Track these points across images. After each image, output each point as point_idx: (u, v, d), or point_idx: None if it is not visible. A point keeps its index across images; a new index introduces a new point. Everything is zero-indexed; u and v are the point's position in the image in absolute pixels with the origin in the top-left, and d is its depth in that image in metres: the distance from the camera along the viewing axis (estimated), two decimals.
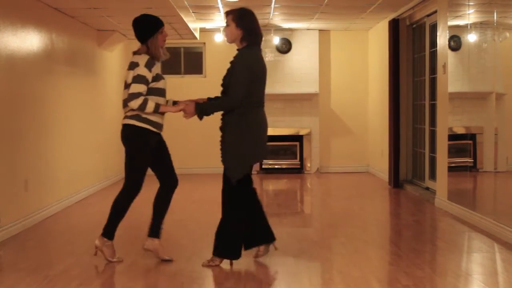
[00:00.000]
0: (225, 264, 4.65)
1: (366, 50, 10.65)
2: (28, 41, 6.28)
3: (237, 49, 4.47)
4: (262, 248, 4.65)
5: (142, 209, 7.21)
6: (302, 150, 10.48)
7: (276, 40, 10.17)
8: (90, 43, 8.56)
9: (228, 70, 4.43)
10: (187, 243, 5.29)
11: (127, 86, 4.51)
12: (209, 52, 10.53)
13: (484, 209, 5.84)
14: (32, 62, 6.40)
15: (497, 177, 5.96)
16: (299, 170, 10.39)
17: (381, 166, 9.56)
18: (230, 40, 4.49)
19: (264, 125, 4.51)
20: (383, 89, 9.33)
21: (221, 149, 4.53)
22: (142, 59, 4.51)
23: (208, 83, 10.06)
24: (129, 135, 4.57)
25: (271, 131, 10.26)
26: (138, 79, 4.44)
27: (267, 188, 9.15)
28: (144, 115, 4.48)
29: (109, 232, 4.68)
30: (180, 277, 4.32)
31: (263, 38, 4.57)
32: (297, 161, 10.42)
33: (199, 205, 7.29)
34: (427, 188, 7.87)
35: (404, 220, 6.62)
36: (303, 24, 9.78)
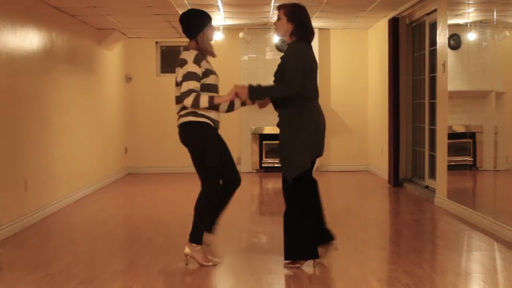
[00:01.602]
0: (226, 263, 4.66)
1: (366, 49, 10.64)
2: (28, 39, 6.27)
3: (287, 43, 4.48)
4: (321, 249, 4.53)
5: (142, 209, 7.23)
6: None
7: (276, 39, 10.17)
8: (90, 41, 8.56)
9: (279, 65, 4.43)
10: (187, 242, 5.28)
11: (177, 84, 4.45)
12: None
13: (484, 208, 5.84)
14: (32, 61, 6.40)
15: (497, 176, 5.97)
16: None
17: (381, 165, 9.56)
18: (281, 34, 4.50)
19: (319, 119, 4.46)
20: (382, 88, 9.33)
21: (278, 146, 4.45)
22: (190, 55, 4.39)
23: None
24: (188, 132, 4.44)
25: (270, 130, 10.24)
26: (188, 76, 4.34)
27: (267, 187, 9.15)
28: (200, 111, 4.38)
29: (196, 237, 4.49)
30: (180, 276, 4.32)
31: (313, 36, 4.49)
32: None
33: None
34: (427, 187, 7.87)
35: (404, 219, 6.63)
36: None
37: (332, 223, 6.25)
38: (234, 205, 7.43)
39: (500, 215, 5.43)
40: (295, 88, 4.26)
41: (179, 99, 4.42)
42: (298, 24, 4.40)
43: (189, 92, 4.33)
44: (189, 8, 4.68)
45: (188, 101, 4.32)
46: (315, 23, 9.75)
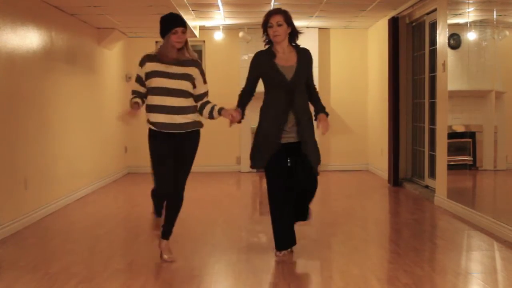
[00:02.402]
0: (226, 262, 4.66)
1: (366, 49, 10.64)
2: (28, 39, 6.27)
3: (293, 45, 4.72)
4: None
5: (142, 208, 7.23)
6: None
7: None
8: (89, 41, 8.56)
9: (306, 67, 4.69)
10: (186, 241, 5.29)
11: None
12: (208, 50, 10.53)
13: (484, 208, 5.84)
14: (32, 60, 6.40)
15: (497, 175, 5.97)
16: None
17: (381, 164, 9.56)
18: (281, 40, 4.60)
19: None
20: (382, 87, 9.32)
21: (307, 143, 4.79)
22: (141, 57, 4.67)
23: (208, 81, 10.03)
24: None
25: None
26: (135, 78, 4.69)
27: (266, 186, 9.13)
28: (147, 115, 4.59)
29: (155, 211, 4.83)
30: (179, 275, 4.32)
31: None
32: None
33: (199, 204, 7.28)
34: (427, 187, 7.87)
35: (403, 218, 6.63)
36: (303, 22, 9.77)
37: (332, 222, 6.27)
38: (234, 205, 7.45)
39: (500, 214, 5.43)
40: None
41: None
42: (293, 27, 4.66)
43: (131, 92, 4.61)
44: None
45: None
46: (315, 22, 9.76)
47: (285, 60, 4.58)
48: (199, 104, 4.59)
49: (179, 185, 4.56)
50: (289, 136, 4.62)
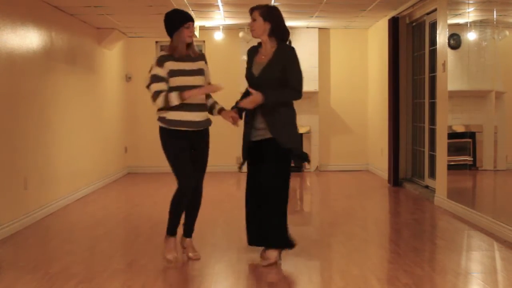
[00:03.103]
0: (226, 263, 4.67)
1: (366, 49, 10.64)
2: (28, 39, 6.27)
3: (278, 42, 4.51)
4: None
5: (142, 208, 7.23)
6: (302, 149, 10.47)
7: None
8: (89, 41, 8.56)
9: (279, 64, 4.45)
10: None
11: None
12: (208, 50, 10.52)
13: (484, 208, 5.84)
14: (32, 60, 6.40)
15: (497, 175, 5.97)
16: (298, 169, 10.38)
17: (381, 164, 9.56)
18: (257, 35, 4.51)
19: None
20: (382, 87, 9.33)
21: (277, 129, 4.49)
22: (156, 58, 4.51)
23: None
24: (160, 136, 4.68)
25: None
26: (151, 79, 4.48)
27: None
28: (161, 114, 4.56)
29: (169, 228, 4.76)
30: (179, 275, 4.32)
31: (289, 35, 4.59)
32: None
33: None
34: (427, 187, 7.87)
35: (403, 218, 6.63)
36: (303, 22, 9.78)
37: (332, 222, 6.27)
38: (234, 205, 7.44)
39: (499, 214, 5.43)
40: (301, 95, 4.56)
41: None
42: (275, 23, 4.49)
43: (156, 94, 4.43)
44: (189, 7, 4.68)
45: (158, 102, 4.44)
46: (315, 22, 9.76)
47: (263, 56, 4.54)
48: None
49: (200, 182, 4.69)
50: (260, 134, 4.50)
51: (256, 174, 4.56)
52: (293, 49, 4.51)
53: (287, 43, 4.59)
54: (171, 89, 4.43)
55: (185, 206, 4.61)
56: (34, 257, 4.84)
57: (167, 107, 4.44)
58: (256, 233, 4.61)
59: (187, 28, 4.49)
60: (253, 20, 4.50)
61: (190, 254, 4.67)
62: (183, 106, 4.43)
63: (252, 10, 4.53)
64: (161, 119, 4.53)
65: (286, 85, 4.45)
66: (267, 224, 4.51)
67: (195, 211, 4.73)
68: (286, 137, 4.45)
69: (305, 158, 4.67)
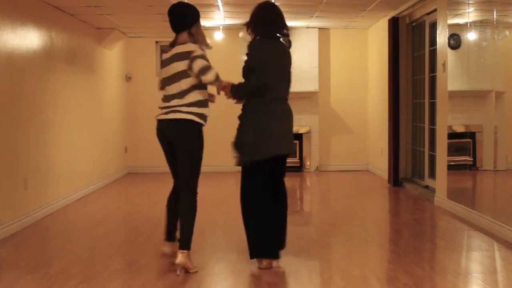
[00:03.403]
0: (226, 263, 4.66)
1: (366, 49, 10.64)
2: (27, 39, 6.27)
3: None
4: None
5: (142, 208, 7.23)
6: (302, 149, 10.47)
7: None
8: (89, 41, 8.56)
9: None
10: None
11: (180, 77, 4.30)
12: (208, 50, 10.50)
13: (484, 208, 5.84)
14: (32, 60, 6.40)
15: (497, 175, 5.97)
16: (298, 169, 10.39)
17: (381, 164, 9.56)
18: (249, 34, 4.54)
19: (278, 119, 4.43)
20: (382, 87, 9.33)
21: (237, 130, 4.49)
22: (193, 45, 4.35)
23: None
24: (191, 131, 4.34)
25: None
26: (203, 56, 4.31)
27: None
28: (201, 111, 4.34)
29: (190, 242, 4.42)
30: (179, 276, 4.31)
31: (274, 28, 4.44)
32: (296, 160, 10.41)
33: (198, 204, 7.27)
34: (427, 187, 7.87)
35: (403, 218, 6.63)
36: (303, 22, 9.77)
37: (332, 222, 6.27)
38: (234, 205, 7.44)
39: (499, 214, 5.43)
40: (252, 83, 4.35)
41: (180, 95, 4.30)
42: (252, 20, 4.44)
43: (209, 67, 4.29)
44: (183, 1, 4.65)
45: (210, 75, 4.26)
46: (315, 22, 9.76)
47: None
48: None
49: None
50: None
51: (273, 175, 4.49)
52: (255, 40, 4.41)
53: (286, 42, 4.58)
54: (202, 85, 4.36)
55: None
56: (34, 257, 4.84)
57: (202, 102, 4.33)
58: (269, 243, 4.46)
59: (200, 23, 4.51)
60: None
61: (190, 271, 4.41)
62: (207, 102, 4.41)
63: None
64: (199, 115, 4.32)
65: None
66: (281, 228, 4.48)
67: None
68: (235, 142, 4.45)
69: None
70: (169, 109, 4.35)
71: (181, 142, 4.32)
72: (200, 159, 4.40)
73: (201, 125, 4.37)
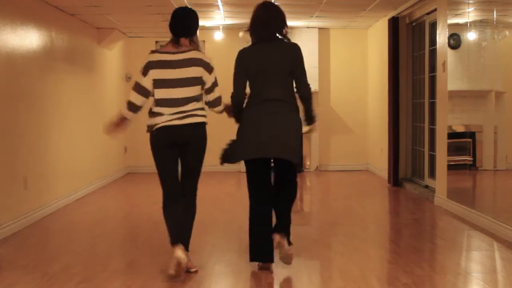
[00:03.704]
0: (226, 262, 4.66)
1: (366, 48, 10.64)
2: (27, 39, 6.27)
3: None
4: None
5: (142, 208, 7.23)
6: (302, 148, 10.45)
7: None
8: (89, 41, 8.56)
9: None
10: None
11: (190, 83, 4.27)
12: (208, 50, 10.52)
13: (484, 208, 5.84)
14: (32, 60, 6.40)
15: (497, 175, 5.97)
16: (298, 168, 10.38)
17: (381, 164, 9.56)
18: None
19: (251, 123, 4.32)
20: (382, 87, 9.33)
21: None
22: (209, 59, 4.43)
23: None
24: (204, 133, 4.39)
25: None
26: (217, 82, 4.44)
27: None
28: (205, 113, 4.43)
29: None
30: (174, 275, 4.31)
31: (265, 32, 4.34)
32: None
33: (198, 204, 7.26)
34: (427, 186, 7.87)
35: (403, 218, 6.62)
36: (303, 22, 9.77)
37: (332, 222, 6.27)
38: (234, 205, 7.44)
39: (499, 214, 5.43)
40: (234, 91, 4.45)
41: (192, 100, 4.27)
42: (250, 24, 4.42)
43: (221, 98, 4.46)
44: (189, 7, 4.64)
45: (221, 108, 4.49)
46: (315, 22, 9.76)
47: None
48: None
49: None
50: None
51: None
52: (241, 49, 4.49)
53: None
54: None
55: None
56: (34, 257, 4.84)
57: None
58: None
59: None
60: None
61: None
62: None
63: None
64: (204, 116, 4.39)
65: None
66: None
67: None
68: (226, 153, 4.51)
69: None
70: (183, 114, 4.26)
71: (197, 144, 4.36)
72: (202, 162, 4.51)
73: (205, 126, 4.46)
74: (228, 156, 4.45)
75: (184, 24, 4.37)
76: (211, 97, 4.41)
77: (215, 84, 4.41)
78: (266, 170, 4.40)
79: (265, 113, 4.25)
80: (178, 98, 4.25)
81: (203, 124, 4.35)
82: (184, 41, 4.35)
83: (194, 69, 4.28)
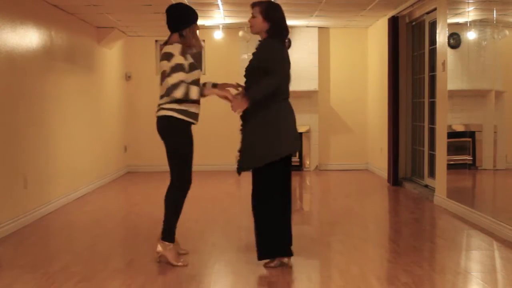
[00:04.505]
0: (225, 262, 4.66)
1: (366, 48, 10.64)
2: (27, 38, 6.27)
3: (259, 40, 4.47)
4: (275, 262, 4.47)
5: (142, 207, 7.23)
6: (302, 148, 10.46)
7: None
8: (89, 40, 8.55)
9: (252, 63, 4.42)
10: (185, 241, 5.28)
11: (162, 77, 4.42)
12: (208, 49, 10.52)
13: (483, 207, 5.84)
14: (32, 59, 6.40)
15: (496, 175, 5.97)
16: (298, 168, 10.39)
17: (380, 163, 9.56)
18: (255, 31, 4.46)
19: (287, 119, 4.40)
20: (382, 86, 9.33)
21: (243, 141, 4.42)
22: (175, 48, 4.38)
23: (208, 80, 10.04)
24: (168, 127, 4.44)
25: None
26: (177, 68, 4.34)
27: None
28: (184, 107, 4.40)
29: (168, 234, 4.55)
30: (179, 275, 4.32)
31: (287, 34, 4.46)
32: (296, 159, 10.40)
33: (198, 203, 7.28)
34: (426, 186, 7.87)
35: (403, 217, 6.63)
36: (303, 21, 9.77)
37: (332, 221, 6.27)
38: (234, 204, 7.45)
39: (499, 214, 5.43)
40: (276, 78, 4.26)
41: (166, 93, 4.39)
42: (274, 22, 4.38)
43: (179, 83, 4.34)
44: (175, 2, 4.66)
45: (179, 92, 4.32)
46: (315, 21, 9.76)
47: None
48: None
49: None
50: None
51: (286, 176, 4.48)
52: (269, 40, 4.35)
53: (286, 41, 4.55)
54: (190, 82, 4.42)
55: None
56: (33, 256, 4.84)
57: (184, 99, 4.38)
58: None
59: (197, 26, 4.56)
60: (253, 16, 4.44)
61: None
62: (196, 100, 4.47)
63: (253, 6, 4.45)
64: (181, 111, 4.41)
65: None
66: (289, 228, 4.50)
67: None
68: (245, 159, 4.38)
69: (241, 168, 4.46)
70: (157, 108, 4.53)
71: (163, 138, 4.52)
72: (184, 154, 4.50)
73: (182, 121, 4.43)
74: (260, 157, 4.30)
75: (169, 20, 4.56)
76: (165, 86, 4.39)
77: (173, 70, 4.33)
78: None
79: (291, 111, 4.48)
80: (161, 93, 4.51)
81: (166, 118, 4.42)
82: (173, 36, 4.50)
83: (162, 63, 4.43)
